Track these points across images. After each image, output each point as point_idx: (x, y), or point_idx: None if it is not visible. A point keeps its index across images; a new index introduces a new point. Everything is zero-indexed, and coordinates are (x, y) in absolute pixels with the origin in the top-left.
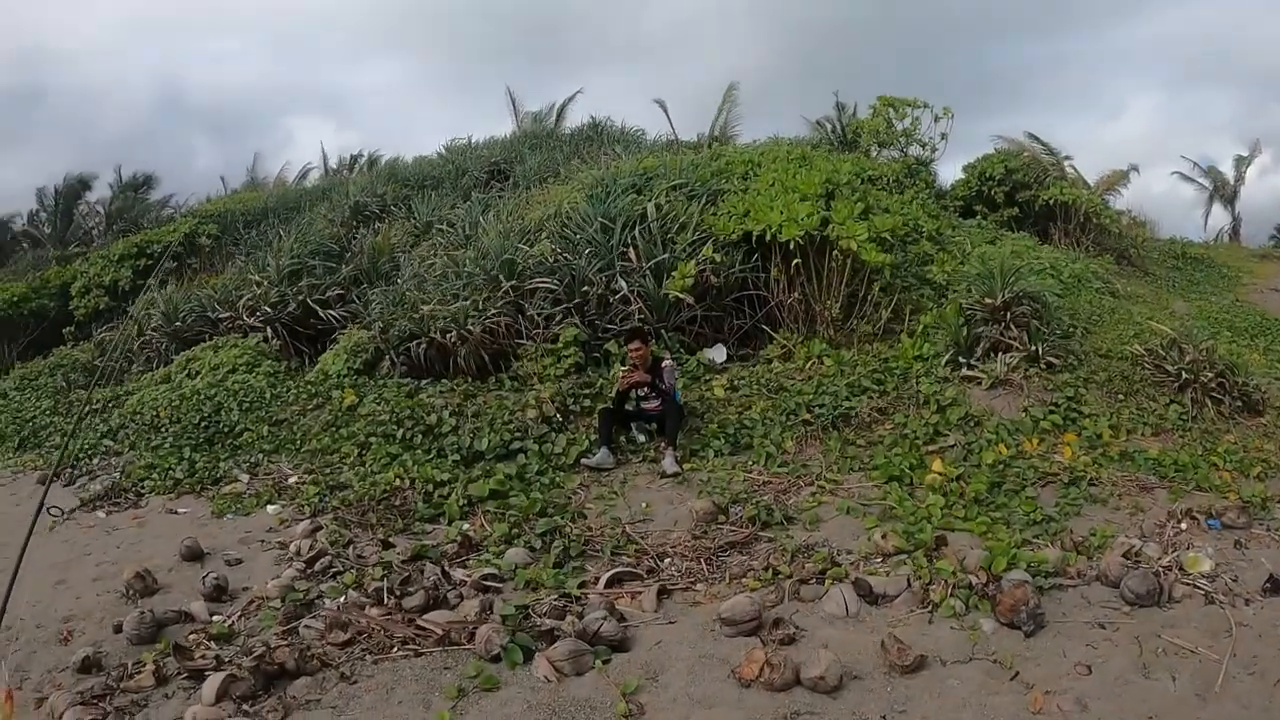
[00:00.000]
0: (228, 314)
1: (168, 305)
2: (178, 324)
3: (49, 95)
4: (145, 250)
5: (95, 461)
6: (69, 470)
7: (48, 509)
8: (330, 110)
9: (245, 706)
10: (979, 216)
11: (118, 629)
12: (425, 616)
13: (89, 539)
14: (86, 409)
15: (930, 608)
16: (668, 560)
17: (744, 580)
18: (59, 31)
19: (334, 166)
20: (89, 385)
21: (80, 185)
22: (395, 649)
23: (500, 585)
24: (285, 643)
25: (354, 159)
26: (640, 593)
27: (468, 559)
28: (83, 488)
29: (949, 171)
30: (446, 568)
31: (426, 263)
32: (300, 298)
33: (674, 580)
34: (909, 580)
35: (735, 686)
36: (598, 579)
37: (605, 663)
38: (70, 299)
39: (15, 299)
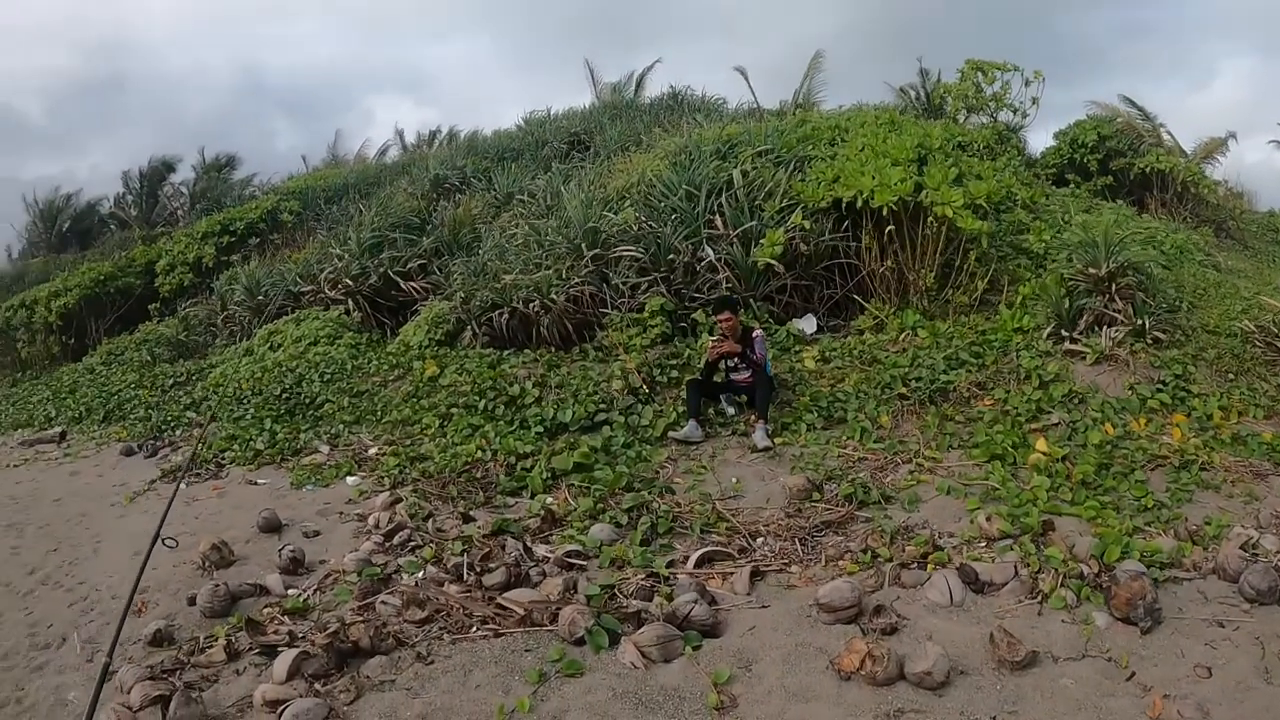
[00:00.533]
0: (309, 287)
1: (250, 280)
2: (260, 298)
3: (132, 84)
4: (228, 227)
5: (179, 433)
6: (151, 441)
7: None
8: (409, 88)
9: (317, 685)
10: (1072, 185)
11: (191, 601)
12: (506, 595)
13: (164, 508)
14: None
15: (1039, 598)
16: (760, 539)
17: (841, 562)
18: (138, 21)
19: (413, 143)
20: (175, 359)
21: (165, 168)
22: (474, 628)
23: (584, 563)
24: (361, 619)
25: (433, 134)
26: (732, 574)
27: (550, 534)
28: (164, 459)
29: (1038, 139)
30: (528, 543)
31: (508, 233)
32: (381, 270)
33: (767, 561)
34: (1016, 568)
35: (834, 679)
36: (687, 558)
37: (695, 649)
38: (155, 276)
39: (102, 277)
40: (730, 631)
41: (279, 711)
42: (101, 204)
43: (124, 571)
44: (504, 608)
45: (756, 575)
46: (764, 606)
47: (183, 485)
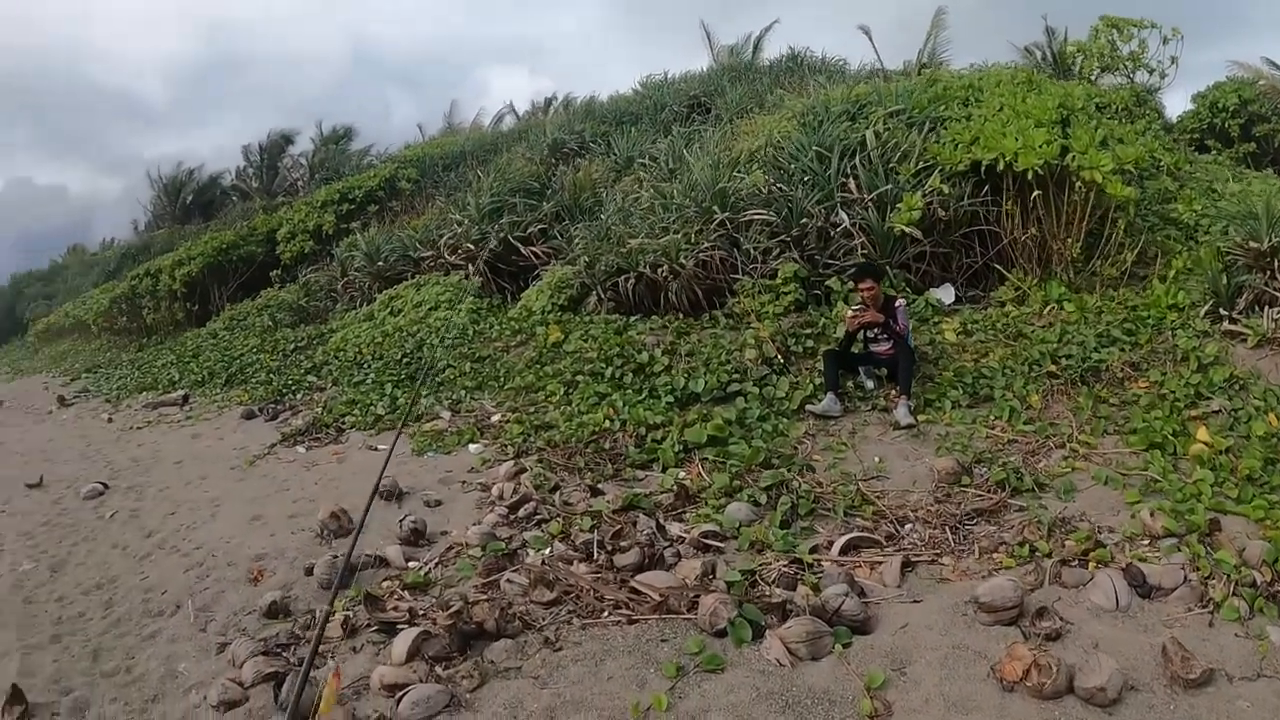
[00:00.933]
0: (429, 253)
1: (370, 246)
2: (380, 264)
3: (249, 63)
4: (347, 196)
5: (299, 397)
6: (271, 405)
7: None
8: (523, 58)
9: (438, 669)
10: (1213, 152)
11: (309, 571)
12: (640, 577)
13: (288, 474)
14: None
15: (1210, 607)
16: (908, 526)
17: (995, 555)
18: (254, 2)
19: (527, 111)
20: (296, 324)
21: (283, 140)
22: (606, 613)
23: (721, 545)
24: (485, 598)
25: (548, 101)
26: (881, 563)
27: (684, 512)
28: (285, 422)
29: (1174, 103)
30: (661, 520)
31: (631, 197)
32: (501, 235)
33: (916, 550)
34: (1185, 572)
35: (996, 689)
36: (831, 543)
37: (845, 647)
38: (276, 244)
39: (225, 246)
40: (881, 628)
41: (397, 696)
42: (223, 177)
43: (241, 537)
44: (638, 592)
45: (907, 566)
46: (916, 601)
47: (301, 450)
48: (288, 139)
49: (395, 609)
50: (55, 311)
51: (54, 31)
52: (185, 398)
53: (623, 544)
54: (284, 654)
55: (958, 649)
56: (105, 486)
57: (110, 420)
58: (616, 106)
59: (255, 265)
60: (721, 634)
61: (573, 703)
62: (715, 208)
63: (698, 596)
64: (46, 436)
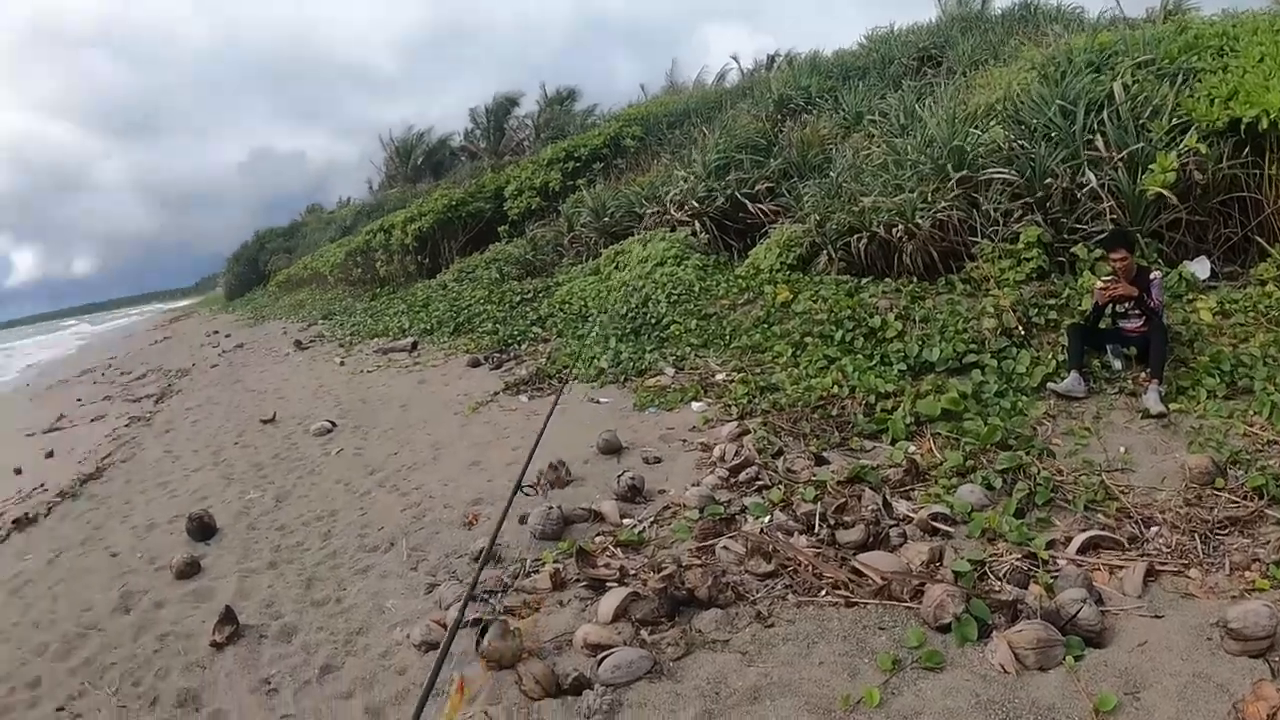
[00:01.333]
0: (654, 209)
1: (596, 202)
2: (606, 219)
3: (476, 32)
4: (573, 154)
5: (524, 347)
6: (496, 354)
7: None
8: (744, 17)
9: (643, 633)
10: None
11: (523, 520)
12: (862, 556)
13: (509, 422)
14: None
15: None
16: (1154, 529)
17: (1248, 573)
18: None
19: (749, 68)
20: (522, 277)
21: (509, 103)
22: (824, 592)
23: (950, 529)
24: (699, 563)
25: (771, 59)
26: (1122, 568)
27: (913, 489)
28: (509, 371)
29: None
30: (888, 497)
31: (862, 153)
32: (728, 192)
33: (1161, 557)
34: None
35: None
36: (1068, 539)
37: (1077, 659)
38: (504, 201)
39: (454, 203)
40: (1117, 643)
41: (599, 657)
42: (452, 138)
43: (458, 481)
44: (859, 572)
45: (1150, 575)
46: (1157, 616)
47: (524, 399)
48: (513, 101)
49: (606, 566)
50: (294, 264)
51: (288, 9)
52: (414, 345)
53: (846, 519)
54: (490, 600)
55: (1198, 678)
56: (333, 425)
57: (342, 364)
58: (842, 62)
59: (483, 221)
60: (944, 629)
61: (779, 685)
62: (951, 166)
63: (923, 584)
64: (282, 377)
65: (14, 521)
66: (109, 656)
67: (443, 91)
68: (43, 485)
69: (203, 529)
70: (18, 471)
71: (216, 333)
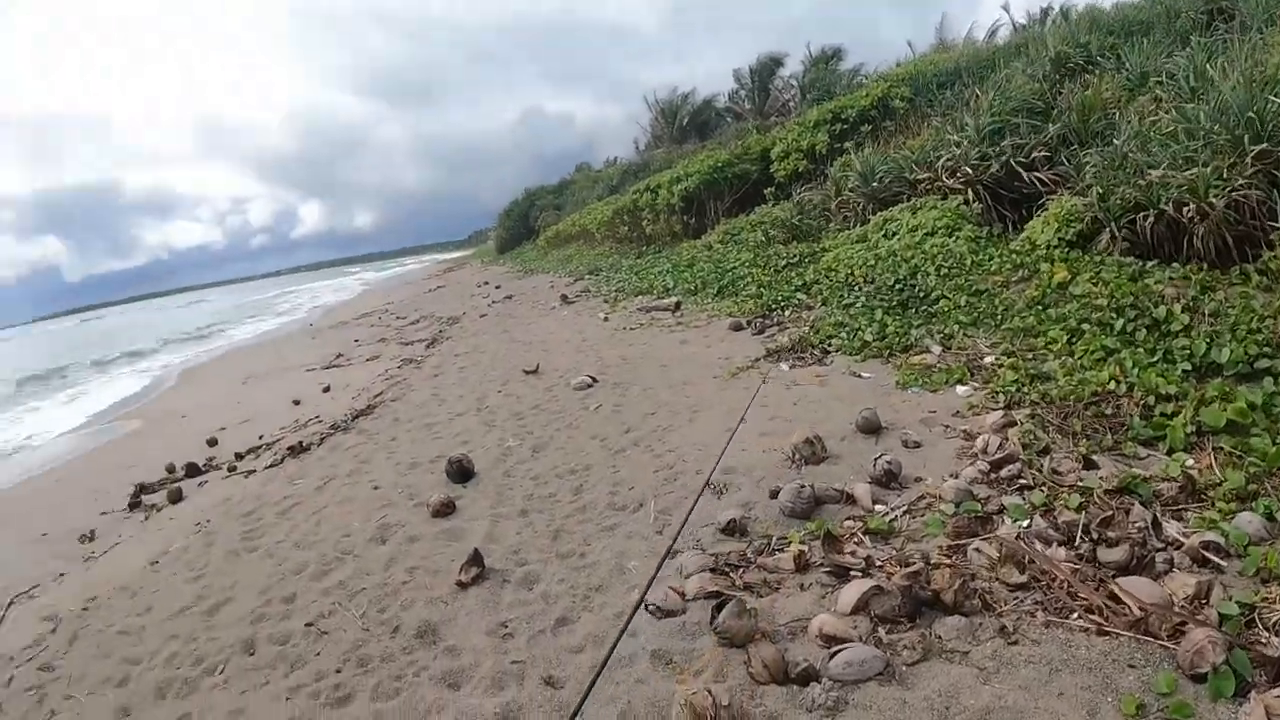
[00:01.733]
0: (925, 175)
1: (864, 166)
2: (874, 185)
3: None
4: (839, 116)
5: (787, 314)
6: (759, 319)
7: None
8: None
9: (881, 631)
10: None
11: (773, 494)
12: (1123, 580)
13: (768, 390)
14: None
15: None
16: None
17: None
18: None
19: (1022, 23)
20: (788, 241)
21: (773, 63)
22: (1075, 614)
23: (1222, 562)
24: (948, 563)
25: (1044, 12)
26: None
27: (1186, 509)
28: (771, 338)
29: None
30: (1159, 515)
31: (1149, 119)
32: (1003, 159)
33: None
34: None
35: None
36: None
37: None
38: (770, 163)
39: (720, 164)
40: None
41: (832, 650)
42: (716, 99)
43: (712, 447)
44: (1116, 598)
45: None
46: None
47: (785, 367)
48: (777, 61)
49: (852, 554)
50: (563, 220)
51: None
52: (677, 304)
53: (1110, 534)
54: (731, 575)
55: None
56: (594, 380)
57: (606, 320)
58: (1122, 15)
59: (749, 183)
60: (1199, 678)
61: (1012, 711)
62: (1248, 138)
63: (1184, 624)
64: (548, 329)
65: (289, 449)
66: (360, 582)
67: (705, 52)
68: (318, 417)
69: (461, 472)
70: (296, 403)
71: (486, 283)
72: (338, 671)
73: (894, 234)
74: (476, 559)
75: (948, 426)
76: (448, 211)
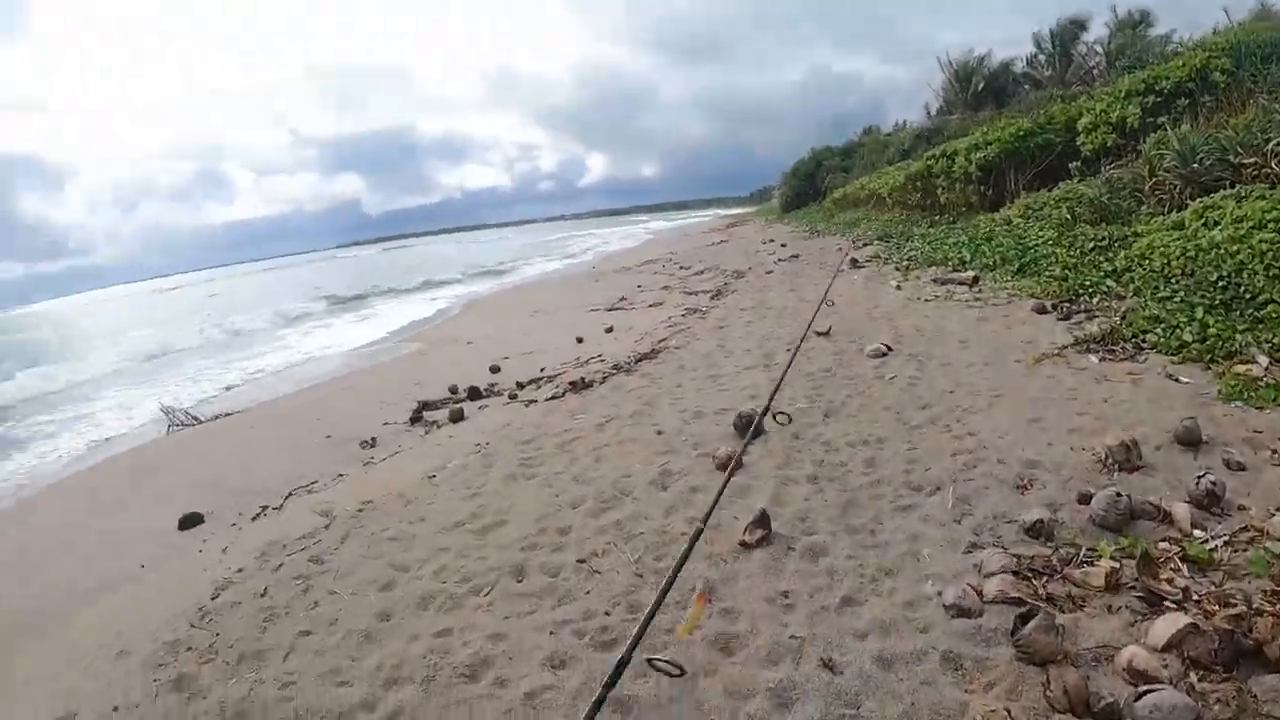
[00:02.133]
0: (1252, 160)
1: (1183, 145)
2: (1194, 166)
3: None
4: (1153, 86)
5: (1095, 301)
6: (1065, 304)
7: None
8: None
9: (1193, 675)
10: None
11: (1083, 500)
12: None
13: (1075, 382)
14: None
15: None
16: None
17: None
18: None
19: None
20: (1095, 221)
21: (1075, 27)
22: None
23: None
24: (1273, 610)
25: None
26: None
27: None
28: (1078, 325)
29: None
30: None
31: None
32: None
33: None
34: None
35: None
36: None
37: None
38: (1076, 135)
39: (1021, 134)
40: None
41: (1139, 690)
42: (1013, 64)
43: (1015, 436)
44: None
45: None
46: None
47: (1093, 359)
48: (1080, 25)
49: (1169, 582)
50: (850, 183)
51: None
52: (975, 279)
53: None
54: (1034, 582)
55: None
56: (888, 349)
57: (898, 288)
58: None
59: (1053, 155)
60: None
61: None
62: None
63: None
64: (836, 291)
65: (570, 383)
66: (637, 526)
67: (1002, 11)
68: (600, 356)
69: (748, 428)
70: (580, 340)
71: (771, 240)
72: (606, 614)
73: (1216, 224)
74: (764, 520)
75: (1274, 451)
76: (729, 166)
